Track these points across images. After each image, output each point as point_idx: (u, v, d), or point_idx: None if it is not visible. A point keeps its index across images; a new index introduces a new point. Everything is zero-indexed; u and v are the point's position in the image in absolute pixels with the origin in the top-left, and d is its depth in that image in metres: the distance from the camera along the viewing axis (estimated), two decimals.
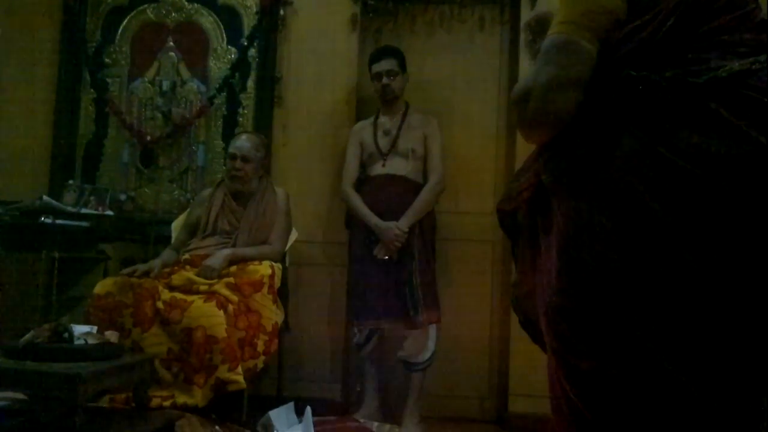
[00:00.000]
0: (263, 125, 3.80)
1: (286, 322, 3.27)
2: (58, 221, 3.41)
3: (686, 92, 1.24)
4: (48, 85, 4.03)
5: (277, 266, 3.16)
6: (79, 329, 2.35)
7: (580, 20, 1.34)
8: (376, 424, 3.22)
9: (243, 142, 3.36)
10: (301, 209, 3.61)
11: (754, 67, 1.23)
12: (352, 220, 3.50)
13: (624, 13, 1.34)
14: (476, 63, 3.85)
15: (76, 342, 2.28)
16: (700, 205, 1.20)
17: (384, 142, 3.43)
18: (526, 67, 3.60)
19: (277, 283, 3.11)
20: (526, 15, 3.67)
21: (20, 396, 2.44)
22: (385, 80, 3.41)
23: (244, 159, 3.31)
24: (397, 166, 3.39)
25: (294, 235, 3.48)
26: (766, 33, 1.29)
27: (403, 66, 3.46)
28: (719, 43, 1.28)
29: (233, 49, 3.93)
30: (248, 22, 3.92)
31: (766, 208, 1.17)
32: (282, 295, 3.21)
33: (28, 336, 2.28)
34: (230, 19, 3.95)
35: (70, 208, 3.59)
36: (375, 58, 3.48)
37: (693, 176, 1.20)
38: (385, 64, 3.42)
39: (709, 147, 1.20)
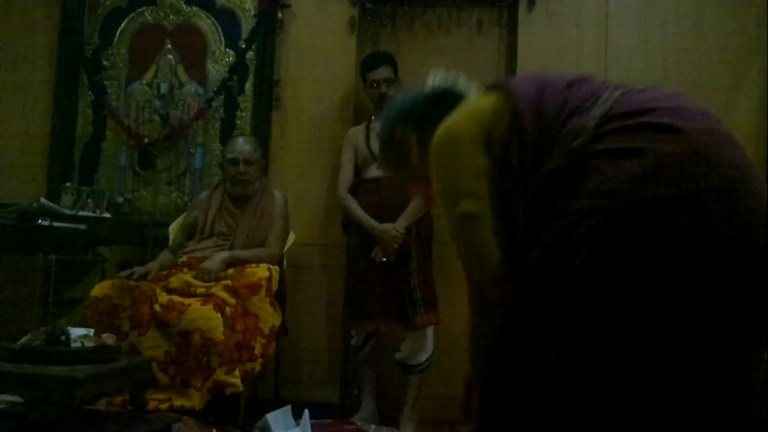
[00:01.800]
0: (261, 128, 3.80)
1: (283, 325, 3.27)
2: (56, 224, 3.40)
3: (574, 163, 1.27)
4: (46, 87, 4.02)
5: (275, 269, 3.15)
6: (76, 332, 2.34)
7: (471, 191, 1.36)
8: (373, 426, 3.22)
9: (243, 145, 3.36)
10: (299, 212, 3.61)
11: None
12: (349, 223, 3.50)
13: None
14: (474, 66, 3.85)
15: (73, 345, 2.27)
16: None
17: (377, 146, 3.43)
18: (524, 66, 3.62)
19: (275, 285, 3.11)
20: (524, 17, 3.70)
21: (17, 399, 2.43)
22: (383, 89, 3.40)
23: (247, 162, 3.31)
24: None
25: (291, 238, 3.48)
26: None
27: (397, 73, 3.47)
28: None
29: (231, 52, 3.94)
30: (246, 25, 3.92)
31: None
32: (279, 297, 3.21)
33: (24, 339, 2.27)
34: (228, 22, 3.95)
35: (67, 211, 3.58)
36: (370, 65, 3.47)
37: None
38: (383, 72, 3.42)
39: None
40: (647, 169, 1.18)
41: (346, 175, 3.48)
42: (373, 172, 3.42)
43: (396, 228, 3.22)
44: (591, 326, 1.20)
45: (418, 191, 1.64)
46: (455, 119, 1.41)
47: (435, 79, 1.58)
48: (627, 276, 1.17)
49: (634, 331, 1.17)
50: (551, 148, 1.30)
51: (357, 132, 3.55)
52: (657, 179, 1.17)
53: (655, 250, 1.16)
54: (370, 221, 3.28)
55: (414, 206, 3.28)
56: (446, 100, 1.53)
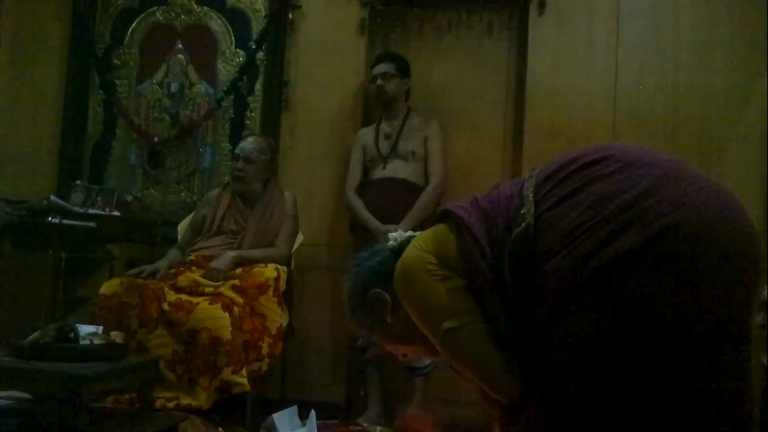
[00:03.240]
0: (271, 128, 3.81)
1: (290, 325, 3.27)
2: (66, 221, 3.42)
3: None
4: (57, 86, 4.05)
5: (283, 269, 3.16)
6: (84, 329, 2.35)
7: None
8: (379, 428, 3.21)
9: (247, 143, 3.37)
10: (308, 212, 3.62)
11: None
12: (355, 224, 3.50)
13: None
14: (484, 68, 3.85)
15: (82, 342, 2.28)
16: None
17: (385, 146, 3.47)
18: (534, 69, 3.62)
19: (283, 286, 3.12)
20: (534, 20, 3.68)
21: (25, 396, 2.45)
22: (379, 82, 3.46)
23: (246, 160, 3.31)
24: (397, 169, 3.41)
25: (300, 239, 3.49)
26: None
27: (401, 70, 3.49)
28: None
29: (242, 52, 3.95)
30: (257, 25, 3.93)
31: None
32: (287, 298, 3.21)
33: (33, 336, 2.28)
34: (239, 22, 3.96)
35: (77, 209, 3.60)
36: (374, 62, 3.55)
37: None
38: (382, 68, 3.48)
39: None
40: (590, 202, 1.28)
41: (354, 176, 3.51)
42: (380, 172, 3.44)
43: (395, 229, 3.22)
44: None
45: (402, 350, 1.66)
46: (406, 254, 1.49)
47: (397, 235, 1.62)
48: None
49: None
50: (504, 231, 1.38)
51: (367, 132, 3.57)
52: (602, 207, 1.26)
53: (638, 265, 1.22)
54: (374, 222, 3.30)
55: (417, 208, 3.28)
56: None
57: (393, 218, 3.27)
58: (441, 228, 1.51)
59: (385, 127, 3.53)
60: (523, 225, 1.34)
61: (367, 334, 1.65)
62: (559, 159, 1.43)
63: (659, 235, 1.21)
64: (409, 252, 1.50)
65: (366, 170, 3.53)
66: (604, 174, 1.31)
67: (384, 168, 3.44)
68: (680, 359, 1.20)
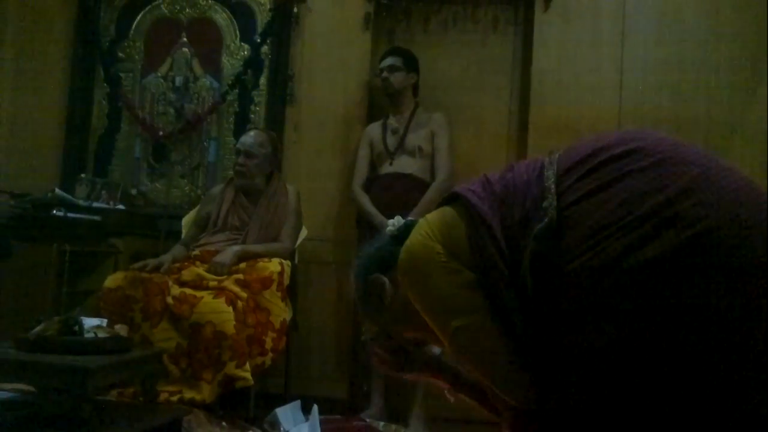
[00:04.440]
0: (275, 123, 3.81)
1: (294, 319, 3.27)
2: (70, 214, 3.42)
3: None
4: (61, 78, 4.05)
5: (287, 263, 3.16)
6: (89, 322, 2.35)
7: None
8: (382, 423, 3.22)
9: (248, 138, 3.37)
10: (312, 207, 3.62)
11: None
12: (361, 219, 3.50)
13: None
14: (489, 63, 3.84)
15: (86, 335, 2.28)
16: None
17: (392, 141, 3.47)
18: (539, 65, 3.61)
19: (286, 280, 3.11)
20: (540, 16, 3.67)
21: (30, 388, 2.45)
22: (385, 74, 3.47)
23: (248, 155, 3.31)
24: (404, 165, 3.41)
25: (303, 233, 3.49)
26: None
27: (408, 64, 3.50)
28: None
29: (246, 46, 3.94)
30: (262, 19, 3.93)
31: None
32: (291, 292, 3.21)
33: (38, 328, 2.28)
34: (244, 15, 3.96)
35: (81, 202, 3.60)
36: (382, 56, 3.56)
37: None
38: (389, 61, 3.49)
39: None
40: (621, 200, 1.19)
41: (361, 171, 3.52)
42: (387, 168, 3.44)
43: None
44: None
45: (407, 335, 1.61)
46: (412, 241, 1.41)
47: (396, 222, 1.56)
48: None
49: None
50: (521, 223, 1.29)
51: (374, 128, 3.58)
52: (644, 203, 1.17)
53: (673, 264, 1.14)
54: (378, 217, 3.30)
55: (422, 204, 3.28)
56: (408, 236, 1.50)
57: (399, 213, 3.27)
58: (449, 213, 1.41)
59: (392, 122, 3.53)
60: (545, 220, 1.25)
61: (375, 323, 1.61)
62: (584, 147, 1.32)
63: (696, 239, 1.13)
64: (415, 239, 1.41)
65: (373, 165, 3.53)
66: (635, 169, 1.21)
67: (391, 163, 3.44)
68: (710, 370, 1.13)
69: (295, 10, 3.84)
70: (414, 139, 3.44)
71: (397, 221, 1.56)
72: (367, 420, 3.23)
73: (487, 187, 1.38)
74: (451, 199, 1.44)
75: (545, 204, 1.27)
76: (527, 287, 1.28)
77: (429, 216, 1.46)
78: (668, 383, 1.14)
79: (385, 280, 1.50)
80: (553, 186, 1.28)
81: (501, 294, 1.31)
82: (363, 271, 1.57)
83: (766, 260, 1.13)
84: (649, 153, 1.23)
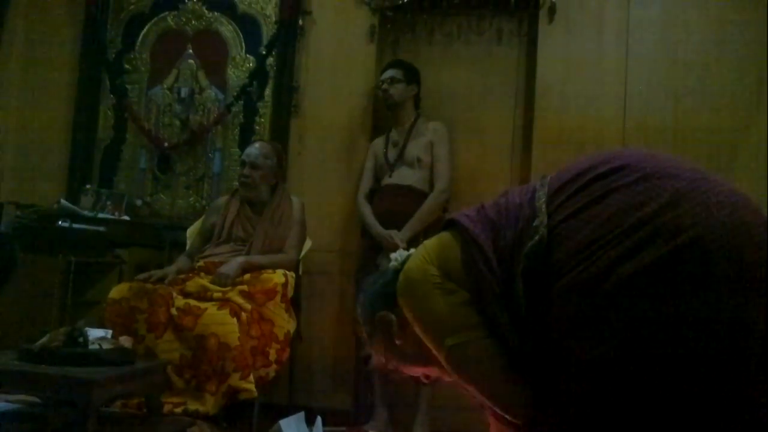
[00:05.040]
0: (280, 134, 3.82)
1: (298, 331, 3.27)
2: (75, 225, 3.44)
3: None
4: (67, 89, 4.08)
5: (291, 275, 3.16)
6: (93, 334, 2.36)
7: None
8: None
9: (253, 149, 3.38)
10: (316, 218, 3.62)
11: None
12: (365, 229, 3.52)
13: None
14: (493, 75, 3.85)
15: (91, 346, 2.29)
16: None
17: (392, 153, 3.50)
18: (543, 77, 3.62)
19: (290, 291, 3.12)
20: (544, 28, 3.68)
21: (34, 399, 2.46)
22: (384, 86, 3.50)
23: (253, 166, 3.32)
24: (403, 176, 3.43)
25: (308, 245, 3.49)
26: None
27: (409, 77, 3.51)
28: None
29: (252, 58, 3.96)
30: (267, 31, 3.95)
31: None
32: (295, 304, 3.22)
33: (43, 339, 2.29)
34: (249, 27, 3.98)
35: (87, 213, 3.62)
36: (383, 69, 3.59)
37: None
38: (389, 73, 3.52)
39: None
40: (608, 215, 1.22)
41: (365, 182, 3.57)
42: (387, 180, 3.48)
43: (395, 235, 3.23)
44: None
45: (417, 371, 1.63)
46: (409, 265, 1.46)
47: (398, 255, 1.58)
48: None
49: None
50: (513, 243, 1.33)
51: (379, 141, 3.63)
52: (629, 216, 1.21)
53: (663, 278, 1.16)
54: (376, 227, 3.33)
55: (420, 214, 3.29)
56: None
57: (398, 224, 3.29)
58: (445, 237, 1.47)
59: (394, 134, 3.56)
60: (536, 238, 1.29)
61: (384, 359, 1.61)
62: (573, 167, 1.37)
63: (682, 249, 1.15)
64: (412, 263, 1.46)
65: (377, 177, 3.56)
66: (621, 185, 1.25)
67: (390, 175, 3.46)
68: (702, 380, 1.14)
69: (301, 22, 3.86)
70: (413, 151, 3.45)
71: (399, 255, 1.58)
72: None
73: (481, 212, 1.44)
74: (449, 225, 1.49)
75: (536, 223, 1.31)
76: (521, 305, 1.31)
77: (426, 242, 1.52)
78: (659, 390, 1.15)
79: (393, 317, 1.52)
80: (543, 206, 1.32)
81: (494, 312, 1.35)
82: (370, 308, 1.58)
83: (753, 268, 1.15)
84: (635, 169, 1.26)
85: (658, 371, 1.15)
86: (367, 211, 3.46)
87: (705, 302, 1.14)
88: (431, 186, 3.42)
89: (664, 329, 1.15)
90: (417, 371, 1.62)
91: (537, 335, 1.31)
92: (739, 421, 1.16)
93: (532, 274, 1.29)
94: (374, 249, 3.33)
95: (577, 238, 1.25)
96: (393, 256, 1.61)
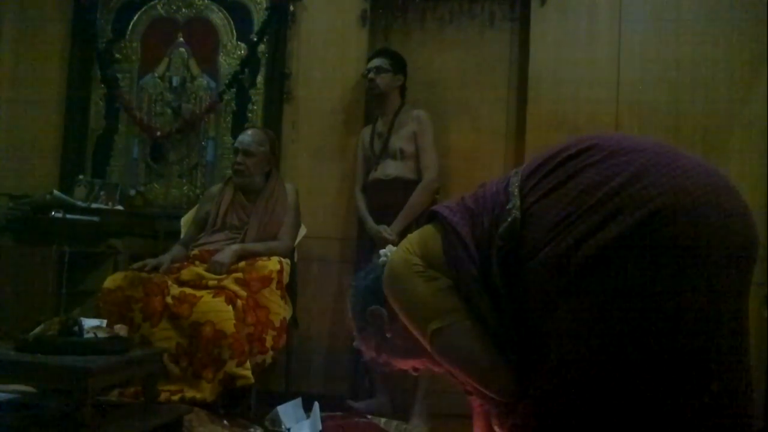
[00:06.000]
0: (272, 121, 3.81)
1: (294, 317, 3.27)
2: (69, 216, 3.43)
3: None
4: (58, 80, 4.05)
5: (286, 262, 3.16)
6: (89, 323, 2.35)
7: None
8: (383, 420, 3.22)
9: (245, 136, 3.37)
10: (310, 205, 3.62)
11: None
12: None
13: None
14: (486, 60, 3.84)
15: (86, 336, 2.28)
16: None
17: (377, 145, 3.45)
18: (536, 60, 3.61)
19: (286, 278, 3.12)
20: (536, 11, 3.66)
21: (30, 389, 2.45)
22: (370, 75, 3.44)
23: (246, 153, 3.31)
24: (387, 170, 3.39)
25: (303, 231, 3.49)
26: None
27: (396, 66, 3.46)
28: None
29: (243, 45, 3.94)
30: (258, 18, 3.93)
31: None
32: (290, 290, 3.22)
33: (38, 329, 2.29)
34: (240, 15, 3.96)
35: (80, 203, 3.61)
36: (370, 57, 3.54)
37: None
38: (375, 62, 3.46)
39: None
40: (576, 193, 1.27)
41: (359, 174, 3.55)
42: (373, 173, 3.44)
43: (385, 229, 3.23)
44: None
45: (409, 364, 1.66)
46: (392, 257, 1.52)
47: (388, 251, 1.62)
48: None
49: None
50: (490, 228, 1.38)
51: (366, 131, 3.58)
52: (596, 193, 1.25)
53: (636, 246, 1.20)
54: (368, 222, 3.34)
55: (409, 206, 3.26)
56: None
57: (390, 218, 3.28)
58: (427, 229, 1.52)
59: (379, 125, 3.50)
60: (509, 220, 1.34)
61: (375, 354, 1.65)
62: (544, 153, 1.42)
63: (648, 220, 1.18)
64: (395, 255, 1.51)
65: (368, 170, 3.51)
66: (588, 164, 1.29)
67: (376, 169, 3.43)
68: (673, 347, 1.17)
69: (292, 8, 3.84)
70: (395, 142, 3.39)
71: (389, 250, 1.62)
72: (369, 416, 3.23)
73: (460, 203, 1.50)
74: (431, 217, 1.55)
75: (509, 206, 1.36)
76: (498, 286, 1.36)
77: (410, 235, 1.58)
78: (631, 359, 1.19)
79: (384, 311, 1.56)
80: (516, 190, 1.38)
81: (474, 295, 1.39)
82: (361, 303, 1.62)
83: (719, 235, 1.18)
84: (602, 147, 1.31)
85: (629, 341, 1.19)
86: (361, 204, 3.45)
87: (674, 270, 1.17)
88: (419, 173, 3.38)
89: (632, 299, 1.18)
90: (407, 364, 1.66)
91: (514, 314, 1.35)
92: (710, 386, 1.19)
93: (508, 254, 1.34)
94: (371, 240, 3.32)
95: (548, 217, 1.29)
96: (382, 252, 1.64)
